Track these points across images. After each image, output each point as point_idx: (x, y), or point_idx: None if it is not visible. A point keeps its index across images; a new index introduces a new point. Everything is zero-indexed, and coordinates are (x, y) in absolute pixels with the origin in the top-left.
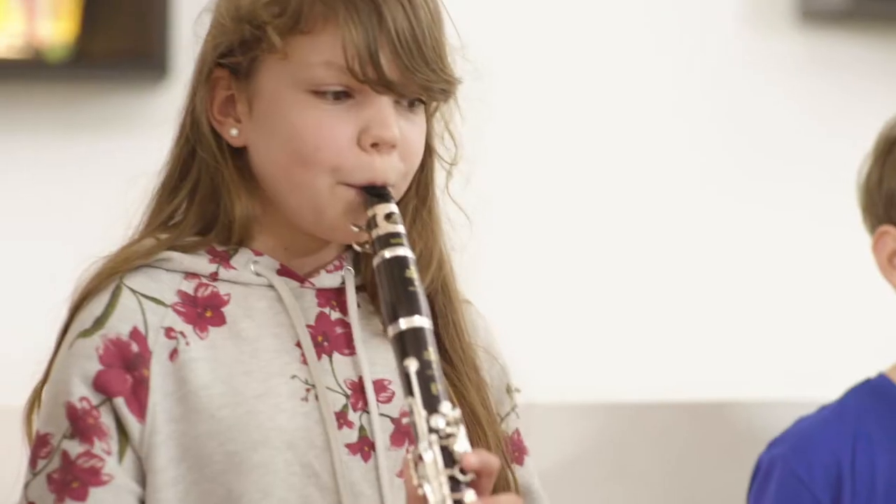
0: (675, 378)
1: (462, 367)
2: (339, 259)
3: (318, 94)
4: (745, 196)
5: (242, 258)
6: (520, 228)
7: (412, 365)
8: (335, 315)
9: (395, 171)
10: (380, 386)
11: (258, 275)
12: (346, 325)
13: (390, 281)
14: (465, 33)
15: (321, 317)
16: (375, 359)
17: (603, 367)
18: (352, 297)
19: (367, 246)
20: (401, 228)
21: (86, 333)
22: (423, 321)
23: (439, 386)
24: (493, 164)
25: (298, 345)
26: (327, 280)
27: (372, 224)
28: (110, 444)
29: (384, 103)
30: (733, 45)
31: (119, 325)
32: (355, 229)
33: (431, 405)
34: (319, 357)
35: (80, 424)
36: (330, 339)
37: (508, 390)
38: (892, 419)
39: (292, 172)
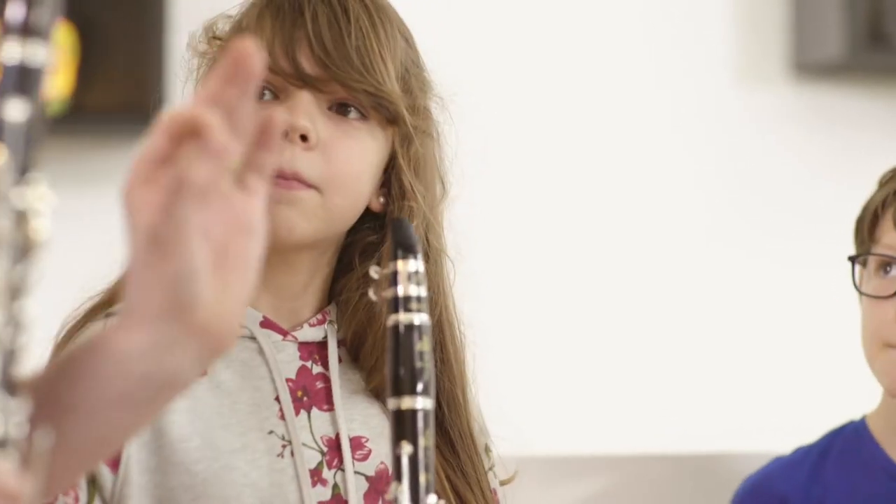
0: (670, 430)
1: (458, 420)
2: (322, 312)
3: None
4: (739, 248)
5: None
6: (517, 281)
7: (406, 449)
8: (316, 369)
9: (311, 168)
10: (356, 443)
11: (241, 326)
12: (327, 380)
13: (399, 351)
14: (455, 76)
15: (302, 371)
16: (353, 415)
17: (599, 419)
18: (333, 352)
19: (381, 295)
20: (423, 291)
21: None
22: (425, 402)
23: (430, 476)
24: (480, 202)
25: (278, 399)
26: (310, 333)
27: (392, 280)
28: (79, 494)
29: (301, 97)
30: (728, 98)
31: None
32: (375, 275)
33: (417, 497)
34: (298, 412)
35: None
36: (310, 393)
37: (487, 450)
38: (855, 461)
39: None
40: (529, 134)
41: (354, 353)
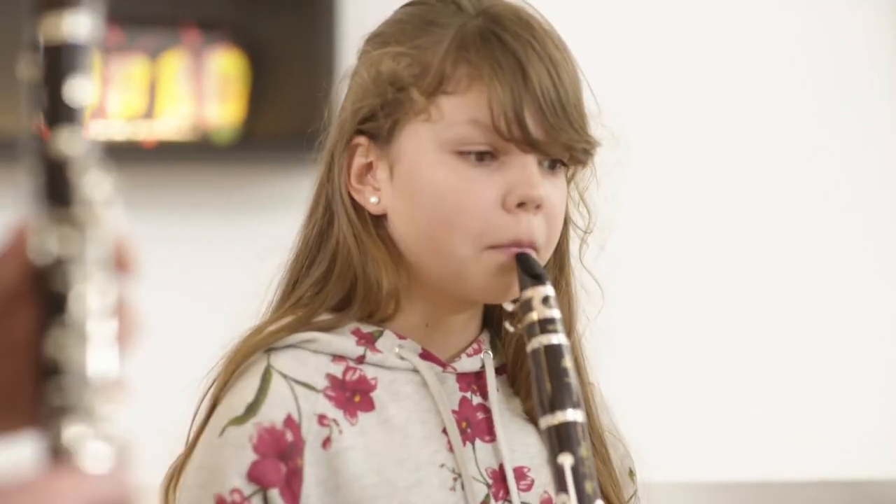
0: (817, 455)
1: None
2: (477, 342)
3: (462, 155)
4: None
5: (387, 341)
6: (651, 299)
7: (567, 461)
8: (476, 400)
9: (540, 232)
10: (519, 473)
11: (402, 359)
12: (487, 410)
13: (545, 371)
14: (602, 99)
15: (463, 402)
16: (514, 445)
17: (737, 444)
18: (492, 381)
19: (518, 325)
20: (557, 313)
21: (238, 421)
22: (577, 415)
23: (594, 484)
24: (625, 232)
25: (444, 431)
26: (467, 364)
27: (527, 307)
28: None
29: (529, 163)
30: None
31: (273, 413)
32: (510, 307)
33: None
34: (464, 444)
35: None
36: (472, 425)
37: (631, 474)
38: None
39: (435, 237)
40: (677, 153)
41: (513, 376)
